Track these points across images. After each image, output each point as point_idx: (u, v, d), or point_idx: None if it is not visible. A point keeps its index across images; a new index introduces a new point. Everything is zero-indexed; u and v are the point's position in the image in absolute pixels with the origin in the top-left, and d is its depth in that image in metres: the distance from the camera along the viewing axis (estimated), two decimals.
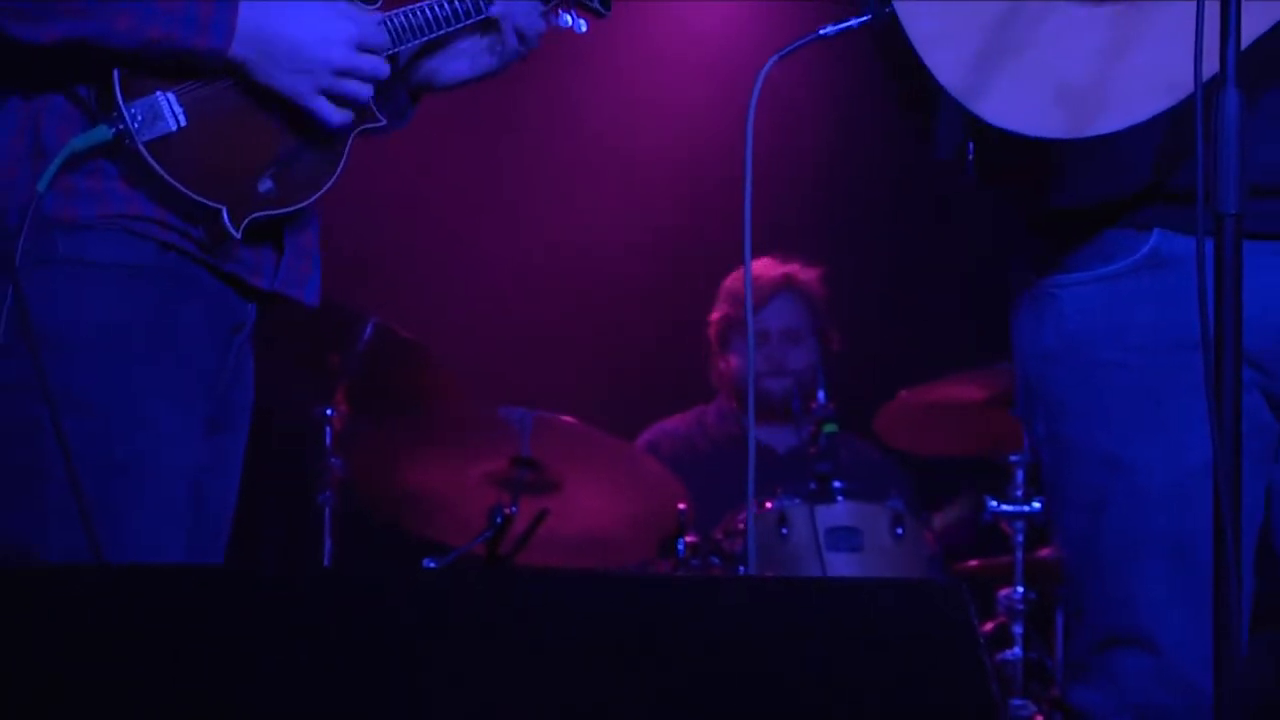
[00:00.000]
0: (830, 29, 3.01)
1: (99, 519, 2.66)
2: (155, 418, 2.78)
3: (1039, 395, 2.76)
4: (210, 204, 2.77)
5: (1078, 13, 2.59)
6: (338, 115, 2.85)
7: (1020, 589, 4.95)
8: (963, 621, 2.27)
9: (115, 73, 2.73)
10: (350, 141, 2.90)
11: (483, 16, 2.98)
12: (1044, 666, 5.05)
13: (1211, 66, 2.30)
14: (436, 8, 2.94)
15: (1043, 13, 2.59)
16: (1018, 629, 4.94)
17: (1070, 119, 2.57)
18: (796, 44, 3.08)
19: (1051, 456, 2.75)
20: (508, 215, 6.22)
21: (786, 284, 5.61)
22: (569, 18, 3.18)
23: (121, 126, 2.73)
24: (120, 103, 2.73)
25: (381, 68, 2.89)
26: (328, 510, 4.77)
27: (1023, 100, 2.58)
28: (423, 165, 6.04)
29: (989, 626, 5.00)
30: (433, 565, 4.59)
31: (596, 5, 3.24)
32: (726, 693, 2.19)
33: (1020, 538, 4.96)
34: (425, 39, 2.95)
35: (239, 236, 2.78)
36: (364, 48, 2.86)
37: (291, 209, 2.86)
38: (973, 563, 5.29)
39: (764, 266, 5.57)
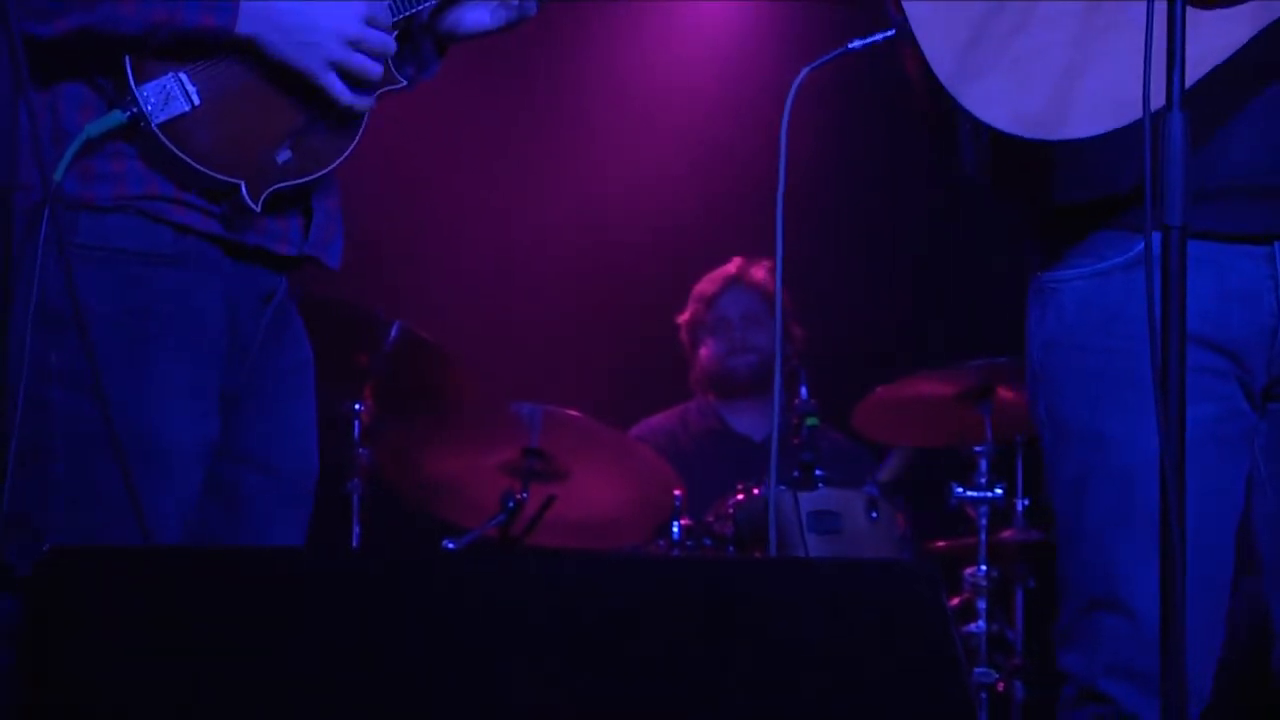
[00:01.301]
0: (857, 43, 2.98)
1: (104, 497, 2.57)
2: (165, 401, 2.66)
3: (1042, 381, 2.76)
4: (228, 180, 2.65)
5: (1055, 27, 2.59)
6: (349, 94, 2.72)
7: (984, 568, 4.96)
8: (932, 597, 2.27)
9: (127, 57, 2.61)
10: (371, 105, 2.76)
11: None
12: (1005, 638, 5.05)
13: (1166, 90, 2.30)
14: None
15: (1026, 23, 2.59)
16: (981, 604, 4.95)
17: (1040, 123, 2.57)
18: (826, 58, 3.05)
19: (1049, 437, 2.76)
20: (517, 225, 6.22)
21: (737, 277, 5.65)
22: None
23: (135, 110, 2.61)
24: (133, 86, 2.61)
25: (389, 42, 2.75)
26: (356, 496, 4.76)
27: (1002, 99, 2.58)
28: (435, 177, 6.04)
29: (955, 602, 5.00)
30: (451, 546, 4.59)
31: None
32: (717, 661, 2.18)
33: (984, 521, 4.97)
34: (409, 13, 2.78)
35: (258, 209, 2.66)
36: (371, 22, 2.73)
37: (311, 178, 2.73)
38: (940, 543, 5.30)
39: (720, 270, 5.64)
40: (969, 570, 4.99)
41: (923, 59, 2.60)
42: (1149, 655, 2.47)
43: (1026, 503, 5.12)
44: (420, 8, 2.81)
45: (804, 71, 3.03)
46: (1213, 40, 2.53)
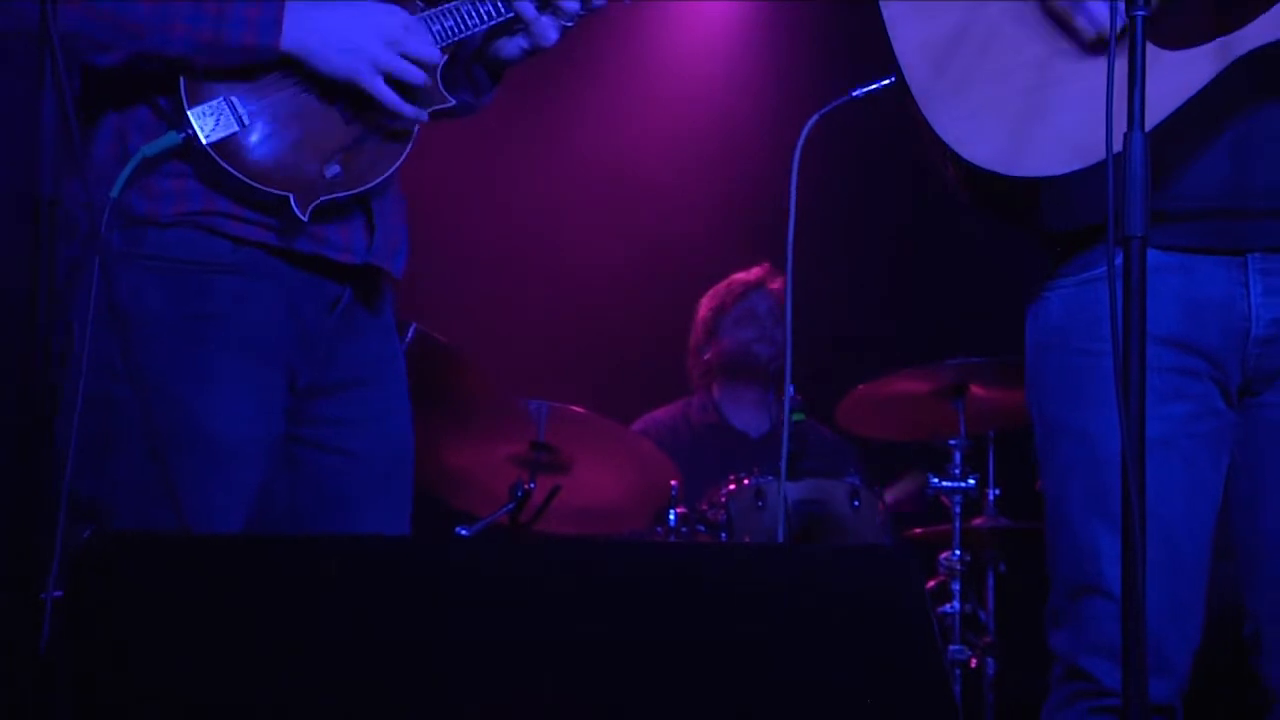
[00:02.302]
0: (859, 91, 2.98)
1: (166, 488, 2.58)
2: (223, 400, 2.68)
3: (1034, 381, 2.77)
4: (277, 193, 2.66)
5: (1027, 70, 2.59)
6: (397, 99, 2.72)
7: (958, 552, 4.96)
8: (910, 580, 2.27)
9: (182, 81, 2.64)
10: (419, 123, 2.77)
11: (511, 14, 2.82)
12: (977, 618, 5.05)
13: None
14: (470, 13, 2.80)
15: (990, 56, 2.60)
16: (955, 586, 4.95)
17: (1005, 158, 2.57)
18: (830, 105, 3.05)
19: (1039, 432, 2.76)
20: (523, 230, 6.20)
21: (763, 281, 5.63)
22: None
23: (190, 131, 2.64)
24: (187, 108, 2.64)
25: (430, 50, 2.74)
26: None
27: (973, 136, 2.58)
28: (444, 185, 6.02)
29: (931, 584, 4.99)
30: (464, 532, 4.59)
31: None
32: (710, 637, 2.18)
33: (958, 509, 4.98)
34: (461, 37, 2.80)
35: (306, 219, 2.66)
36: (415, 32, 2.73)
37: (359, 190, 2.73)
38: (917, 530, 5.30)
39: (746, 274, 5.61)
40: (944, 554, 4.99)
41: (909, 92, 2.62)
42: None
43: (997, 492, 5.13)
44: (465, 35, 2.81)
45: (812, 119, 3.03)
46: (1178, 79, 2.53)
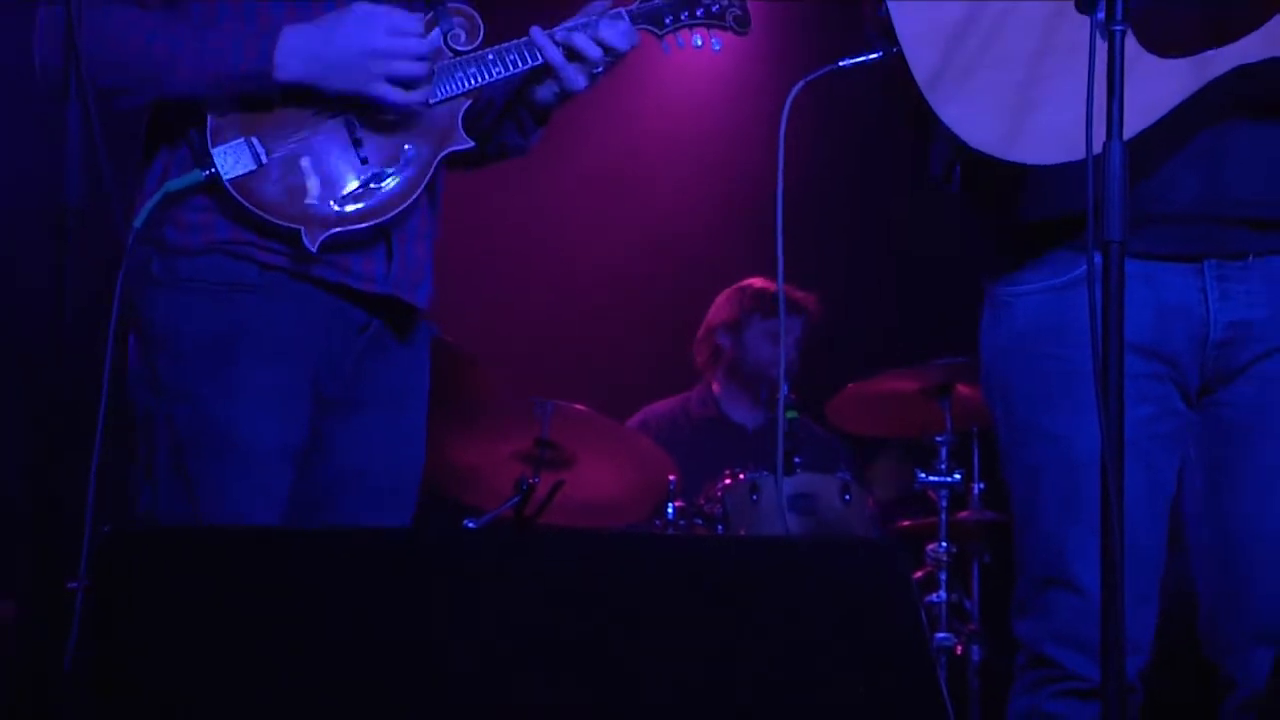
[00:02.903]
0: (847, 62, 2.95)
1: (201, 493, 2.63)
2: (248, 409, 2.72)
3: (996, 383, 2.76)
4: (289, 226, 2.72)
5: (1025, 62, 2.59)
6: (400, 94, 2.75)
7: (944, 544, 4.97)
8: (898, 571, 2.28)
9: (209, 121, 2.72)
10: (436, 163, 2.82)
11: (539, 63, 2.85)
12: (963, 607, 5.06)
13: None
14: (494, 61, 2.84)
15: (995, 40, 2.59)
16: (942, 576, 4.95)
17: (1000, 143, 2.57)
18: (817, 73, 3.01)
19: (1004, 433, 2.75)
20: (530, 237, 6.20)
21: (809, 305, 5.56)
22: (699, 39, 2.98)
23: (213, 169, 2.71)
24: (210, 148, 2.71)
25: (422, 45, 2.76)
26: None
27: (972, 119, 2.58)
28: (451, 191, 6.00)
29: (919, 575, 5.00)
30: (471, 525, 4.59)
31: (733, 25, 3.01)
32: (706, 626, 2.19)
33: (944, 503, 4.98)
34: (481, 84, 2.84)
35: (315, 251, 2.72)
36: (402, 31, 2.75)
37: (367, 225, 2.78)
38: (905, 523, 5.30)
39: (796, 292, 5.50)
40: (931, 546, 5.00)
41: (907, 67, 2.60)
42: (1094, 626, 2.47)
43: (982, 486, 5.13)
44: (487, 82, 2.84)
45: (797, 86, 2.99)
46: (1159, 92, 2.54)
